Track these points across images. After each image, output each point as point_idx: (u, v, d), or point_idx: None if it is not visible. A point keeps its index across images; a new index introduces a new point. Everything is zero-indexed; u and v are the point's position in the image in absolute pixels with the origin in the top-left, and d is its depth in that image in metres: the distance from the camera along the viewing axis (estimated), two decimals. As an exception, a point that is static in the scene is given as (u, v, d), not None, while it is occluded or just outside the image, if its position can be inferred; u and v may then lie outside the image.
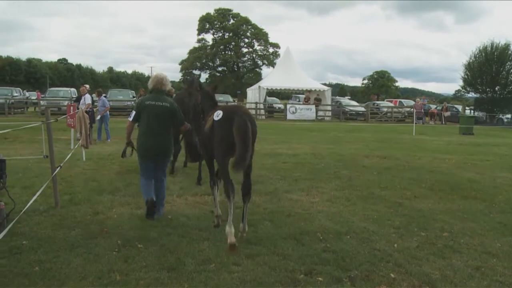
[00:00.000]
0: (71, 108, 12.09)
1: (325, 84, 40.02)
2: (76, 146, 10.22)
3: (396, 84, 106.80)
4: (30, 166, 9.25)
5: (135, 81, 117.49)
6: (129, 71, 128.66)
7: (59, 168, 6.52)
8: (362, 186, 8.22)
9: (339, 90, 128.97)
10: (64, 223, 5.51)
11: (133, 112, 5.66)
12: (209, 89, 5.58)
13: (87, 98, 14.46)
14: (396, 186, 8.31)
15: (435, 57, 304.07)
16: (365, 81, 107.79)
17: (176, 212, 6.14)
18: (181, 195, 7.20)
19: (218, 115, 4.91)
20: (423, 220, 6.11)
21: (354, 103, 38.79)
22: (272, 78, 34.35)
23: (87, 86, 15.46)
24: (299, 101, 37.06)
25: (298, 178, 8.88)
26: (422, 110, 31.54)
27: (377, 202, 7.06)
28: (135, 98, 30.52)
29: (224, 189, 4.82)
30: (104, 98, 15.26)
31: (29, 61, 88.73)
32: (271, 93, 38.95)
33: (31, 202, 5.51)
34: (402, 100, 42.33)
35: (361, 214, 6.36)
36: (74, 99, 20.41)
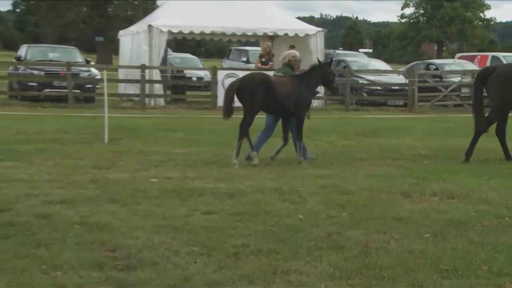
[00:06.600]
0: None
1: (307, 21, 40.01)
2: None
3: (486, 14, 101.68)
4: None
5: None
6: None
7: None
8: (396, 269, 8.01)
9: (344, 34, 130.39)
10: None
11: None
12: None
13: None
14: (480, 269, 8.04)
15: None
16: (408, 11, 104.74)
17: None
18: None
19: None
20: None
21: (379, 64, 39.24)
22: (181, 7, 33.18)
23: None
24: (247, 61, 36.55)
25: (240, 250, 8.65)
26: None
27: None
28: None
29: None
30: None
31: None
32: (180, 43, 38.14)
33: None
34: (500, 55, 41.95)
35: None
36: None
